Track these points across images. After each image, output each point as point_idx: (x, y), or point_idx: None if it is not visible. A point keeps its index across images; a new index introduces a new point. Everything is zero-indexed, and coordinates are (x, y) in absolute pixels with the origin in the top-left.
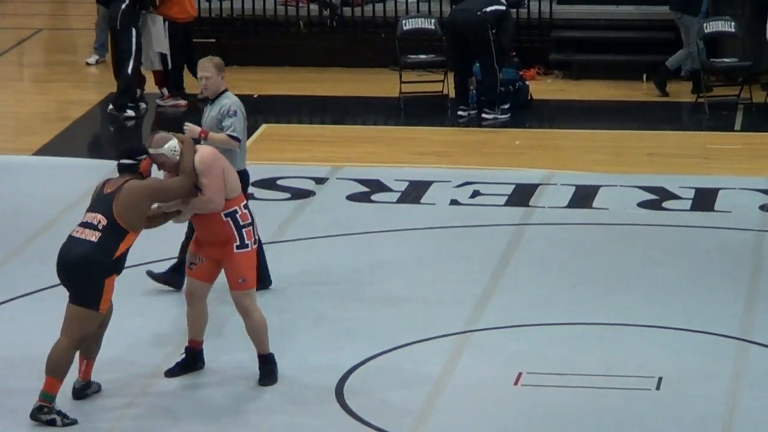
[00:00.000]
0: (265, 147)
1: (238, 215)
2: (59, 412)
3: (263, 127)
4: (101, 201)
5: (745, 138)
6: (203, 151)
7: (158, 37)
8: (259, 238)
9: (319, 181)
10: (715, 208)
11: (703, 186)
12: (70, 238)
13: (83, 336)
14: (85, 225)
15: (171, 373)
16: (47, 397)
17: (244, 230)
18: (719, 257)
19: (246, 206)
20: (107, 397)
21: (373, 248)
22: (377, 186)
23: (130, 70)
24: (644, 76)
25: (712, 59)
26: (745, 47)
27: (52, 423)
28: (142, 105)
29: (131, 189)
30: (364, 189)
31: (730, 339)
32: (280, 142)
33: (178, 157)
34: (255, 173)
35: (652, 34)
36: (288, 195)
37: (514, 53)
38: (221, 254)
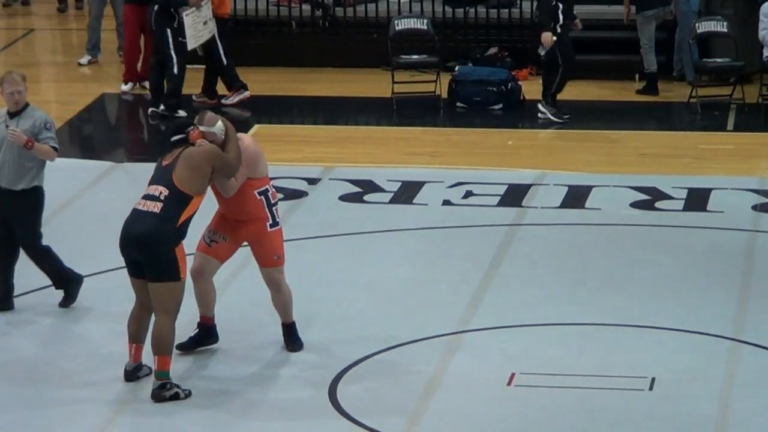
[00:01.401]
0: None
1: (269, 193)
2: (178, 386)
3: (256, 127)
4: (161, 173)
5: (737, 138)
6: (245, 139)
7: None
8: None
9: (312, 181)
10: (708, 208)
11: (695, 186)
12: (134, 211)
13: (179, 307)
14: (147, 197)
15: (182, 347)
16: (164, 374)
17: (274, 208)
18: (712, 257)
19: (274, 186)
20: (110, 393)
21: (365, 249)
22: (370, 186)
23: (176, 71)
24: (636, 76)
25: (704, 59)
26: (737, 47)
27: (176, 397)
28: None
29: (190, 153)
30: (356, 189)
31: (723, 339)
32: (273, 143)
33: (223, 137)
34: None
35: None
36: (281, 195)
37: (506, 53)
38: (253, 233)
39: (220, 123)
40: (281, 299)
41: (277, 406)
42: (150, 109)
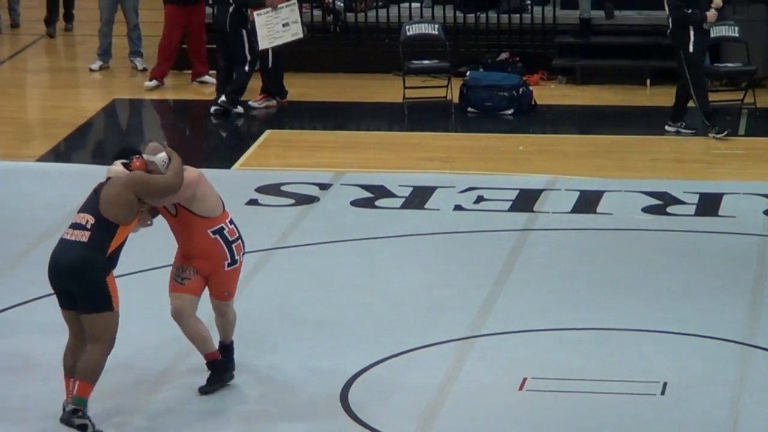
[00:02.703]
0: (269, 153)
1: (225, 231)
2: (90, 420)
3: (267, 132)
4: (90, 201)
5: (749, 143)
6: (191, 170)
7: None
8: None
9: (323, 186)
10: (720, 213)
11: (707, 191)
12: (61, 241)
13: (112, 337)
14: (74, 226)
15: (204, 390)
16: (80, 401)
17: (233, 245)
18: (724, 262)
19: (231, 221)
20: (114, 402)
21: (376, 254)
22: (381, 192)
23: (246, 69)
24: (648, 82)
25: (715, 64)
26: (748, 52)
27: (83, 428)
28: (238, 109)
29: (113, 182)
30: (368, 195)
31: (735, 344)
32: (284, 148)
33: (165, 169)
34: (259, 179)
35: (656, 39)
36: (292, 201)
37: (518, 58)
38: (211, 269)
39: (163, 154)
40: (223, 322)
41: (288, 411)
42: (213, 108)
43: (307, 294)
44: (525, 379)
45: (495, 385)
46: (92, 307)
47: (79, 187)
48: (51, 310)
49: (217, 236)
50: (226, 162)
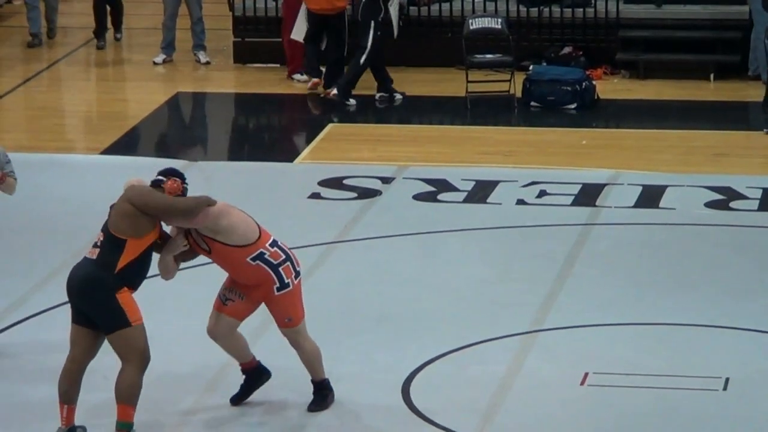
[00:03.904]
0: (332, 146)
1: (267, 255)
2: None
3: (329, 126)
4: (107, 217)
5: None
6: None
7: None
8: None
9: (386, 180)
10: None
11: None
12: (82, 258)
13: (143, 352)
14: (93, 244)
15: (236, 399)
16: (125, 425)
17: (281, 268)
18: None
19: (274, 244)
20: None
21: (439, 248)
22: (444, 185)
23: (363, 60)
24: (711, 76)
25: None
26: None
27: None
28: (398, 95)
29: (122, 197)
30: (430, 188)
31: None
32: (347, 142)
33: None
34: (322, 172)
35: (719, 33)
36: (354, 194)
37: (581, 52)
38: (262, 296)
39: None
40: (304, 357)
41: (350, 405)
42: (332, 92)
43: (368, 288)
44: (587, 374)
45: (557, 379)
46: (108, 326)
47: (143, 179)
48: None
49: (259, 262)
50: (289, 155)
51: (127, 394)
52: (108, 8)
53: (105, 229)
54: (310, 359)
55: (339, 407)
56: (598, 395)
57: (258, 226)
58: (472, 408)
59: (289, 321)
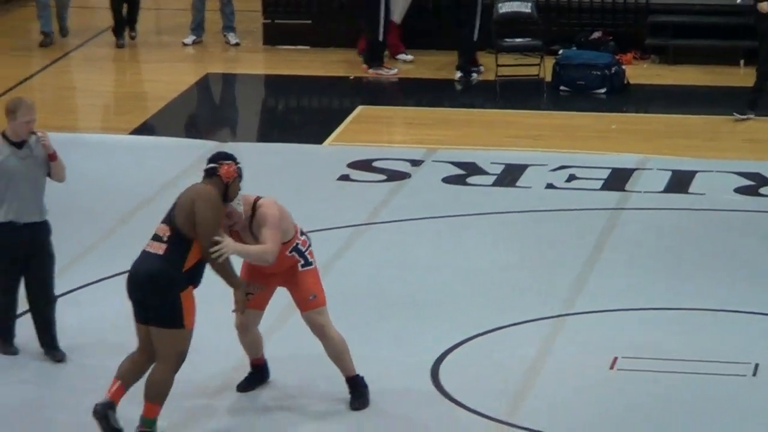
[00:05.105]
0: (361, 129)
1: (299, 245)
2: None
3: (359, 108)
4: (170, 210)
5: None
6: (267, 202)
7: None
8: None
9: (415, 163)
10: None
11: None
12: (142, 253)
13: (180, 355)
14: (154, 237)
15: (242, 388)
16: (147, 422)
17: (306, 252)
18: None
19: (302, 232)
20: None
21: (467, 231)
22: (473, 169)
23: (475, 37)
24: (741, 62)
25: None
26: None
27: None
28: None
29: (186, 192)
30: (459, 172)
31: None
32: (376, 124)
33: (241, 209)
34: (351, 155)
35: (749, 18)
36: (384, 177)
37: (611, 37)
38: (284, 279)
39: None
40: (331, 346)
41: (379, 388)
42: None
43: (397, 270)
44: (615, 359)
45: (585, 364)
46: (162, 322)
47: (172, 160)
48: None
49: (294, 253)
50: (318, 137)
51: (156, 392)
52: (125, 6)
53: (172, 225)
54: (338, 350)
55: (369, 390)
56: (626, 379)
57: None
58: (501, 391)
59: (314, 298)
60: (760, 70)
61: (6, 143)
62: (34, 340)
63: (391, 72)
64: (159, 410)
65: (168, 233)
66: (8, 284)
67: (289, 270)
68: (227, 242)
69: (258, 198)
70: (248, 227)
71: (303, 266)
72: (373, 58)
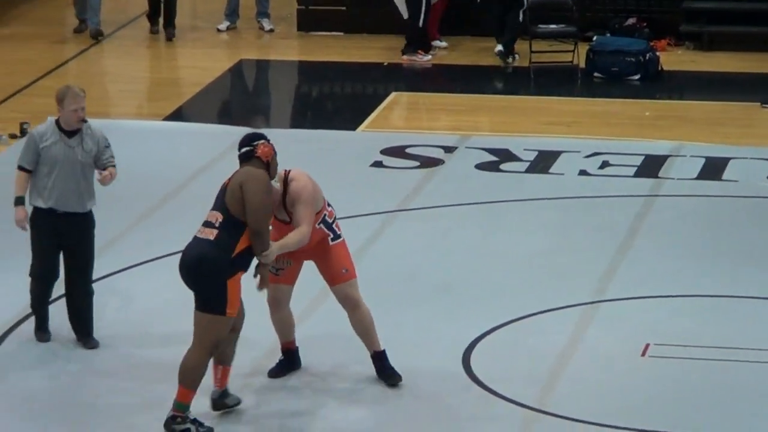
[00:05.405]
0: (395, 115)
1: (326, 216)
2: (194, 421)
3: (393, 95)
4: (219, 196)
5: None
6: (298, 175)
7: None
8: None
9: (449, 149)
10: None
11: None
12: (193, 239)
13: (216, 343)
14: (205, 224)
15: (273, 373)
16: (180, 406)
17: (333, 225)
18: None
19: (329, 204)
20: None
21: (500, 218)
22: (506, 155)
23: (521, 18)
24: None
25: None
26: None
27: None
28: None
29: (235, 177)
30: (493, 158)
31: None
32: (410, 110)
33: (278, 185)
34: (384, 141)
35: None
36: (417, 163)
37: (645, 24)
38: (314, 253)
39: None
40: (360, 319)
41: (411, 374)
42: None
43: (430, 257)
44: (647, 345)
45: (617, 350)
46: (204, 306)
47: (205, 147)
48: (162, 272)
49: (322, 225)
50: (352, 123)
51: (191, 378)
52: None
53: (222, 210)
54: (366, 324)
55: (400, 375)
56: (658, 367)
57: None
58: (532, 377)
59: (346, 272)
60: None
61: (57, 130)
62: (68, 326)
63: (424, 59)
64: (192, 395)
65: (220, 219)
66: (43, 270)
67: (317, 244)
68: (271, 248)
69: (288, 171)
70: (282, 203)
71: (333, 240)
72: (411, 44)
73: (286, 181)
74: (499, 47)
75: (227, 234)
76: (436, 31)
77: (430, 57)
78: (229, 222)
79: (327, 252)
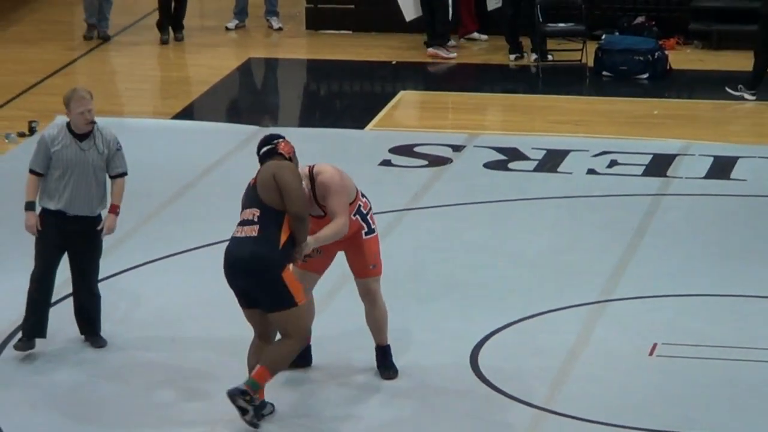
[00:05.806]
0: (403, 114)
1: (361, 207)
2: (255, 407)
3: (401, 94)
4: (250, 194)
5: None
6: (323, 168)
7: None
8: None
9: (457, 148)
10: None
11: None
12: (233, 239)
13: (306, 329)
14: (243, 223)
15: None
16: (254, 385)
17: (368, 216)
18: None
19: (363, 194)
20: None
21: (509, 216)
22: (514, 154)
23: (542, 18)
24: None
25: None
26: None
27: (243, 412)
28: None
29: (262, 171)
30: (501, 157)
31: None
32: (418, 109)
33: (305, 183)
34: (393, 139)
35: None
36: (425, 162)
37: (654, 22)
38: (347, 244)
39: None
40: (376, 315)
41: (419, 372)
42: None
43: (438, 255)
44: (656, 345)
45: (625, 349)
46: (275, 306)
47: (214, 145)
48: (186, 266)
49: (357, 216)
50: (360, 122)
51: (274, 363)
52: (173, 4)
53: (258, 204)
54: (380, 319)
55: (408, 374)
56: (666, 366)
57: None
58: (540, 376)
59: (374, 268)
60: None
61: (68, 133)
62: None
63: (450, 56)
64: (270, 379)
65: (257, 213)
66: (44, 270)
67: (351, 236)
68: (308, 241)
69: (312, 167)
70: (313, 199)
71: (366, 234)
72: (436, 37)
73: (312, 176)
74: (534, 55)
75: (268, 226)
76: (471, 22)
77: (454, 55)
78: (267, 214)
79: (359, 246)
